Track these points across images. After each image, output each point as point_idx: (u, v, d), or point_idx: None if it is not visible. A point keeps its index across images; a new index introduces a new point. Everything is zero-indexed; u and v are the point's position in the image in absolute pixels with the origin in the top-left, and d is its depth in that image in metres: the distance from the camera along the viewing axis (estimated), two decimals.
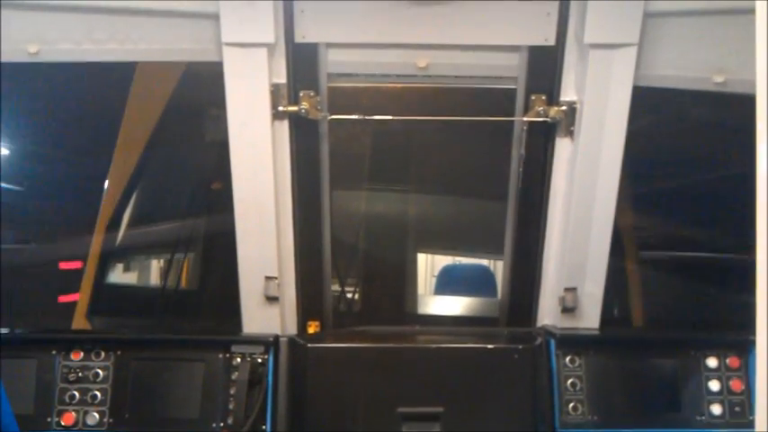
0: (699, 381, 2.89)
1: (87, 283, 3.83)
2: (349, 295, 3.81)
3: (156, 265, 4.72)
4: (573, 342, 2.93)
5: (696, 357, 2.91)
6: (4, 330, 2.94)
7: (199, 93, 3.68)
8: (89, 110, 3.91)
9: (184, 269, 4.29)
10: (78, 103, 3.86)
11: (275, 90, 2.78)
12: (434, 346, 2.89)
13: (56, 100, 3.75)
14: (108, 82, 3.52)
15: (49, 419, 2.78)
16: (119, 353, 2.84)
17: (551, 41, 2.74)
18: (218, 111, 3.71)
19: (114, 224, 3.97)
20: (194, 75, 3.53)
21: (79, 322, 3.73)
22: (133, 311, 4.31)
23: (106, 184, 3.89)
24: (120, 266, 4.44)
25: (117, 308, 4.15)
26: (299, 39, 2.75)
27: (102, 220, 3.89)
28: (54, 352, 2.84)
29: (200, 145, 4.08)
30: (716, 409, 2.86)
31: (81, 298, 3.79)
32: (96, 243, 3.86)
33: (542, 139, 2.94)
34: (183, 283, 4.28)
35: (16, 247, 4.67)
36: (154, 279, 4.71)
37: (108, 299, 4.02)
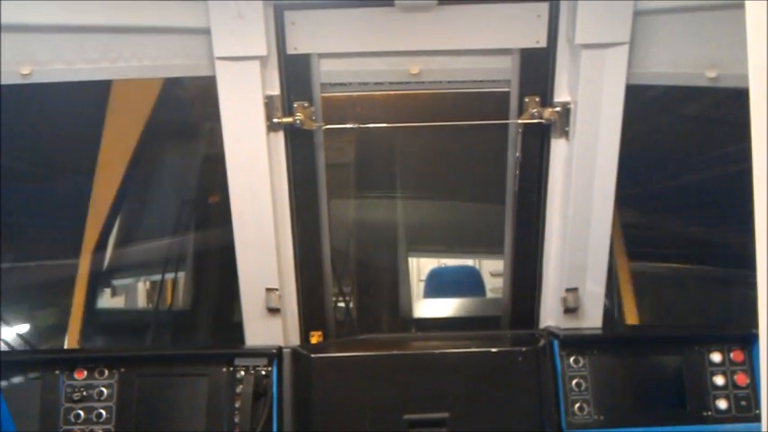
0: (703, 376, 2.88)
1: (78, 307, 3.71)
2: (351, 304, 3.80)
3: (147, 286, 4.60)
4: (576, 342, 2.92)
5: (700, 353, 2.90)
6: (7, 351, 2.93)
7: (180, 107, 3.64)
8: (64, 129, 3.79)
9: (179, 287, 4.21)
10: (52, 122, 3.69)
11: (269, 102, 2.79)
12: (438, 351, 2.88)
13: (28, 118, 3.61)
14: (83, 99, 3.41)
15: None
16: (122, 370, 2.83)
17: (543, 43, 2.75)
18: (202, 124, 3.72)
19: (102, 245, 3.84)
20: (173, 89, 3.49)
21: None
22: (128, 334, 4.23)
23: (90, 204, 3.74)
24: (110, 288, 4.29)
25: (110, 331, 4.05)
26: (290, 50, 2.75)
27: (87, 242, 3.76)
28: (57, 371, 2.83)
29: (185, 159, 4.03)
30: (722, 404, 2.85)
31: (72, 324, 3.65)
32: (84, 265, 3.74)
33: (538, 140, 2.94)
34: (180, 303, 4.19)
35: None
36: (146, 300, 4.59)
37: (99, 323, 3.90)
